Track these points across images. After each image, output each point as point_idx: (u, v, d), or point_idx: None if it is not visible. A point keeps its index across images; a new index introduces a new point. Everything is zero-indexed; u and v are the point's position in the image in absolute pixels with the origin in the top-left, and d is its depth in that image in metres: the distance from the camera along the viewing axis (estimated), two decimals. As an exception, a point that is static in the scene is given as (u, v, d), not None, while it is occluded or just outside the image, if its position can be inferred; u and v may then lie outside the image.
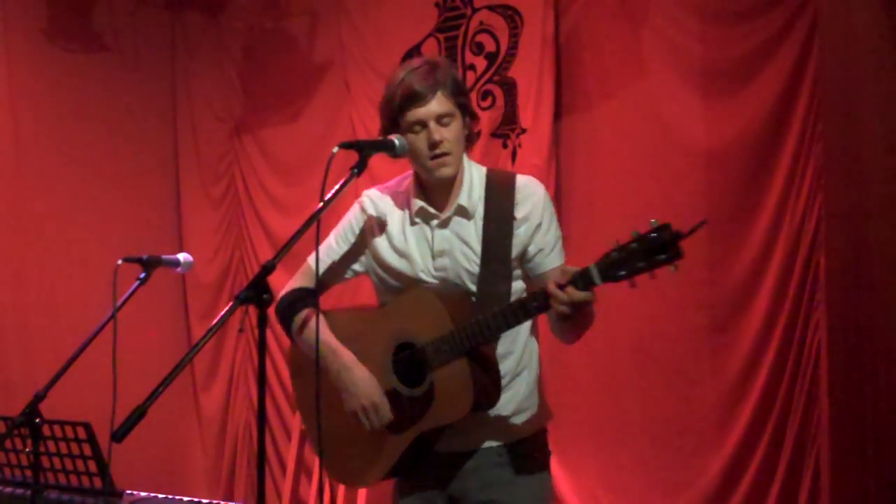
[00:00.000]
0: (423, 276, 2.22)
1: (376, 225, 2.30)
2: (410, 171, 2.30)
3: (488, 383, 2.12)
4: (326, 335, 2.24)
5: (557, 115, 3.94)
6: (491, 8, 4.13)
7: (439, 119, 2.16)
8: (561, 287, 1.92)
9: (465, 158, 2.25)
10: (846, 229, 3.28)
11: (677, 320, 3.62)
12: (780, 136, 3.40)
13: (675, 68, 3.63)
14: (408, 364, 2.17)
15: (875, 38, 3.21)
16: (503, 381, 2.17)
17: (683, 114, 3.61)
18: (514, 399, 2.22)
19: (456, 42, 4.23)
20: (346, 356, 2.22)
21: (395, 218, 2.29)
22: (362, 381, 2.19)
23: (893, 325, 3.18)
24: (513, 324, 2.06)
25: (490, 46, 4.12)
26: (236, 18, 5.09)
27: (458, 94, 2.19)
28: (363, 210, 2.33)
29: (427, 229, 2.24)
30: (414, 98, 2.14)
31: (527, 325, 2.21)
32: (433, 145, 2.15)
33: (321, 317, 2.23)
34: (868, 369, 3.21)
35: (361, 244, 2.33)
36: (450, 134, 2.16)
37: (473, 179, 2.23)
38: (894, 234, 3.19)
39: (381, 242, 2.29)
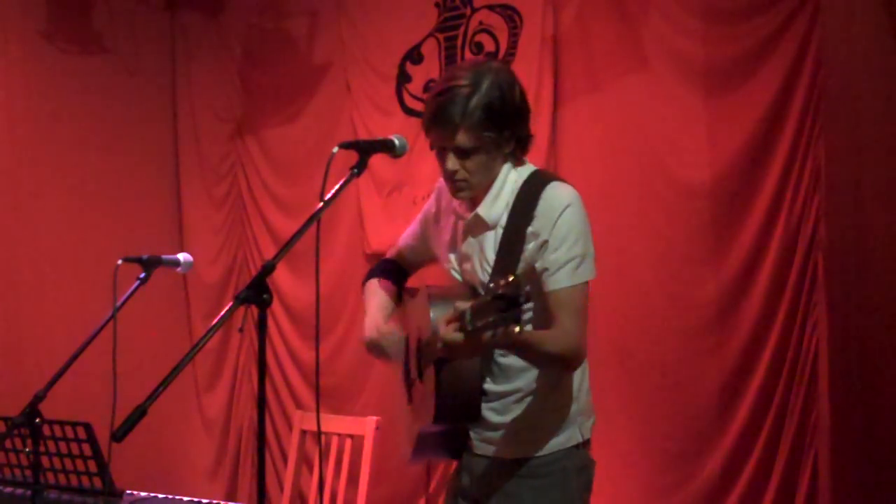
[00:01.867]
0: (455, 275, 2.21)
1: (438, 213, 2.32)
2: None
3: (460, 395, 2.04)
4: (374, 290, 2.39)
5: (556, 115, 3.93)
6: (490, 8, 4.12)
7: (458, 152, 2.05)
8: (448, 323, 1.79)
9: (506, 165, 2.12)
10: (845, 228, 3.27)
11: (664, 320, 3.60)
12: (777, 135, 3.39)
13: (673, 67, 3.63)
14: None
15: (875, 37, 3.21)
16: (517, 395, 2.13)
17: (682, 112, 3.60)
18: (529, 416, 2.14)
19: (455, 42, 4.22)
20: (370, 300, 2.37)
21: (449, 210, 2.27)
22: (370, 318, 2.29)
23: (894, 325, 3.17)
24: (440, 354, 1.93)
25: (489, 46, 4.12)
26: (236, 18, 5.09)
27: (488, 129, 2.02)
28: (434, 197, 2.34)
29: (458, 230, 2.22)
30: (433, 126, 2.05)
31: None
32: (447, 174, 2.09)
33: (379, 282, 2.42)
34: (869, 369, 3.21)
35: (428, 230, 2.36)
36: (471, 164, 2.05)
37: (504, 187, 2.10)
38: (894, 234, 3.18)
39: (434, 232, 2.32)
